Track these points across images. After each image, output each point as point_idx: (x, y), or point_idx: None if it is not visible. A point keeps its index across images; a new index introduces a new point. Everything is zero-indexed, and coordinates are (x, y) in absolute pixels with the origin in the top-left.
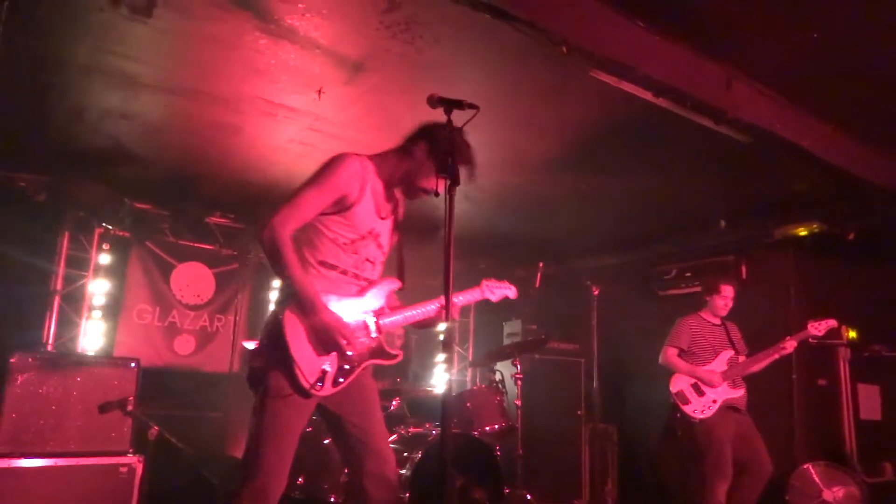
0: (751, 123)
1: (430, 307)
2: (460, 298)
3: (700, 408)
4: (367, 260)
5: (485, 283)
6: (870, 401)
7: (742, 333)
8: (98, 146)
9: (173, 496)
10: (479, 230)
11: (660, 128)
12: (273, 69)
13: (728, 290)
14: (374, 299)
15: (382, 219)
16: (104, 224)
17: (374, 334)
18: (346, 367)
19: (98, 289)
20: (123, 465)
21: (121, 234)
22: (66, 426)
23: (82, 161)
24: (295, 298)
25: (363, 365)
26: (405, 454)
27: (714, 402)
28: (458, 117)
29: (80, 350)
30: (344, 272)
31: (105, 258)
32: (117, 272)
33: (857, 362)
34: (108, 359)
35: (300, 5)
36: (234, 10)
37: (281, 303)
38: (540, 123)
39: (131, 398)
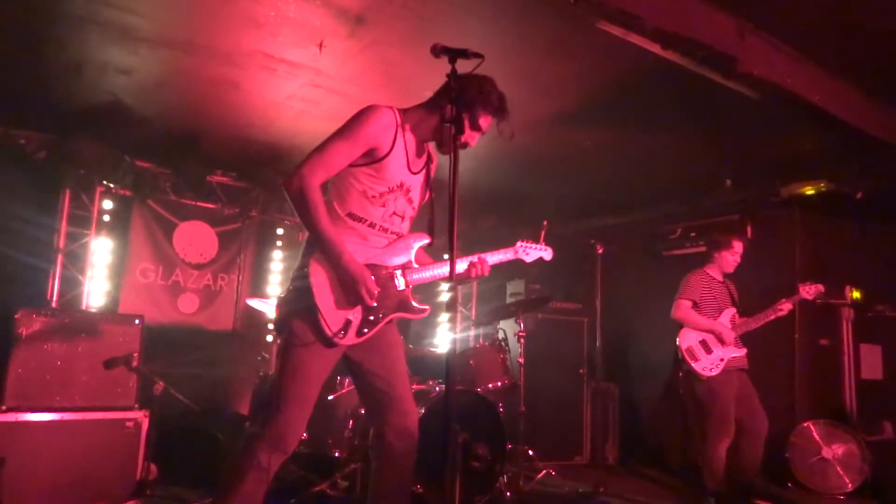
0: (761, 78)
1: (460, 264)
2: (494, 257)
3: (709, 365)
4: (396, 214)
5: (519, 243)
6: (871, 360)
7: (739, 293)
8: (97, 103)
9: (179, 450)
10: (484, 189)
11: (667, 84)
12: (272, 22)
13: (739, 246)
14: (402, 253)
15: (414, 173)
16: (105, 182)
17: (400, 287)
18: (371, 318)
19: (101, 247)
20: (129, 419)
21: (122, 192)
22: (72, 381)
23: (82, 118)
24: (320, 247)
25: (388, 318)
26: None
27: (721, 360)
28: (462, 67)
29: (83, 308)
30: (372, 225)
31: (107, 216)
32: (120, 231)
33: (860, 322)
34: (112, 315)
35: None
36: None
37: (308, 252)
38: (545, 78)
39: (136, 354)
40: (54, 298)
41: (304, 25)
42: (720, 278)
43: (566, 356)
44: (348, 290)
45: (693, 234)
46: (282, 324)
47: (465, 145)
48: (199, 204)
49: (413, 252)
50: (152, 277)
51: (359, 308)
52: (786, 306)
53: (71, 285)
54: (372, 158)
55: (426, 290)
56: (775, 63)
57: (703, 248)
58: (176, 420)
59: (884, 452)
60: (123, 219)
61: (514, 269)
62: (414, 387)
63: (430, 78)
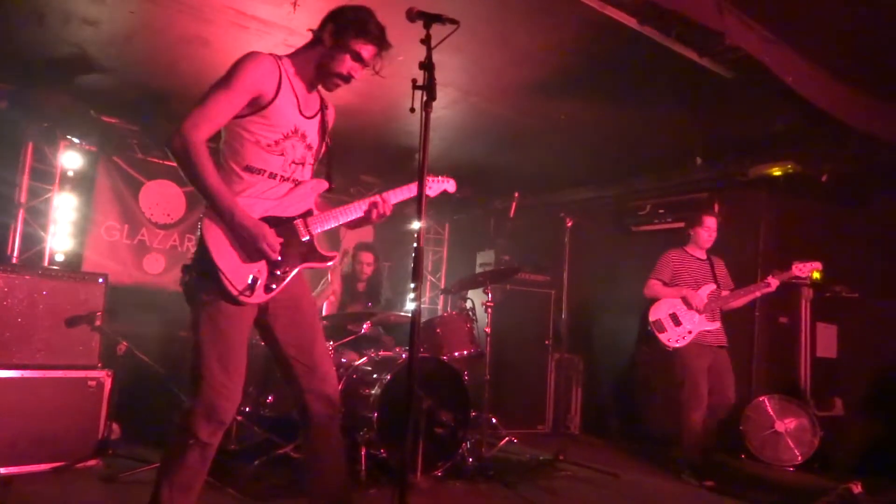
0: (736, 57)
1: (359, 207)
2: (394, 193)
3: (675, 337)
4: (295, 162)
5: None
6: (827, 339)
7: (728, 269)
8: (62, 54)
9: (142, 411)
10: (456, 159)
11: (642, 60)
12: None
13: (710, 221)
14: (300, 201)
15: (308, 118)
16: (70, 136)
17: (303, 237)
18: (278, 272)
19: (64, 203)
20: (92, 378)
21: (87, 147)
22: (33, 339)
23: (46, 69)
24: (211, 206)
25: (296, 269)
26: (375, 376)
27: (689, 332)
28: (438, 33)
29: (45, 264)
30: (273, 175)
31: (71, 172)
32: (84, 187)
33: (818, 302)
34: (75, 273)
35: None
36: None
37: (202, 212)
38: (522, 47)
39: (99, 313)
40: (15, 254)
41: None
42: (701, 255)
43: (533, 327)
44: (248, 247)
45: (662, 211)
46: (189, 291)
47: (346, 77)
48: (167, 163)
49: (312, 199)
50: (117, 236)
51: (263, 263)
52: (773, 283)
53: (33, 241)
54: (258, 106)
55: (398, 255)
56: (750, 42)
57: (672, 225)
58: (139, 380)
59: (833, 428)
60: (88, 175)
61: (484, 238)
62: (381, 353)
63: (407, 41)
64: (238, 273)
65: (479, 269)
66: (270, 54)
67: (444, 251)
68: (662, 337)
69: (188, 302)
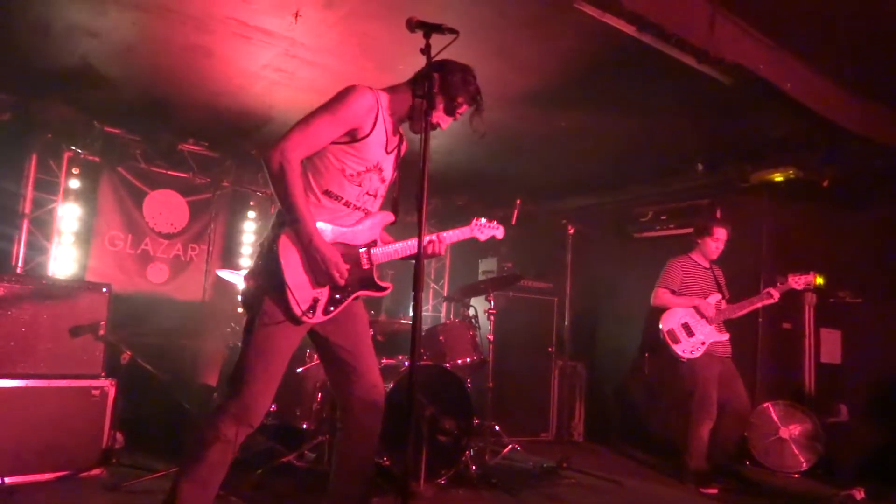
0: (734, 63)
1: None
2: (450, 234)
3: (689, 347)
4: (369, 193)
5: (475, 221)
6: (831, 345)
7: (725, 279)
8: (66, 65)
9: (146, 420)
10: (457, 166)
11: (642, 67)
12: None
13: (721, 233)
14: (368, 231)
15: (388, 153)
16: (73, 147)
17: (365, 266)
18: (338, 296)
19: (68, 213)
20: (96, 388)
21: (91, 158)
22: (37, 349)
23: (50, 81)
24: (292, 225)
25: (354, 295)
26: None
27: (703, 343)
28: (437, 43)
29: (49, 275)
30: (347, 204)
31: (75, 182)
32: (88, 197)
33: (821, 307)
34: (78, 283)
35: None
36: None
37: (277, 227)
38: (521, 55)
39: (103, 322)
40: (19, 265)
41: None
42: (705, 264)
43: (535, 334)
44: (318, 270)
45: (664, 217)
46: (250, 299)
47: (435, 127)
48: (170, 173)
49: (378, 231)
50: (121, 246)
51: (326, 287)
52: (775, 294)
53: (37, 252)
54: (353, 138)
55: (401, 263)
56: (748, 49)
57: (674, 231)
58: (142, 389)
59: (838, 434)
60: (92, 185)
61: (487, 245)
62: (383, 361)
63: (407, 51)
64: (303, 293)
65: (481, 277)
66: (370, 88)
67: (446, 259)
68: (677, 348)
69: (246, 308)
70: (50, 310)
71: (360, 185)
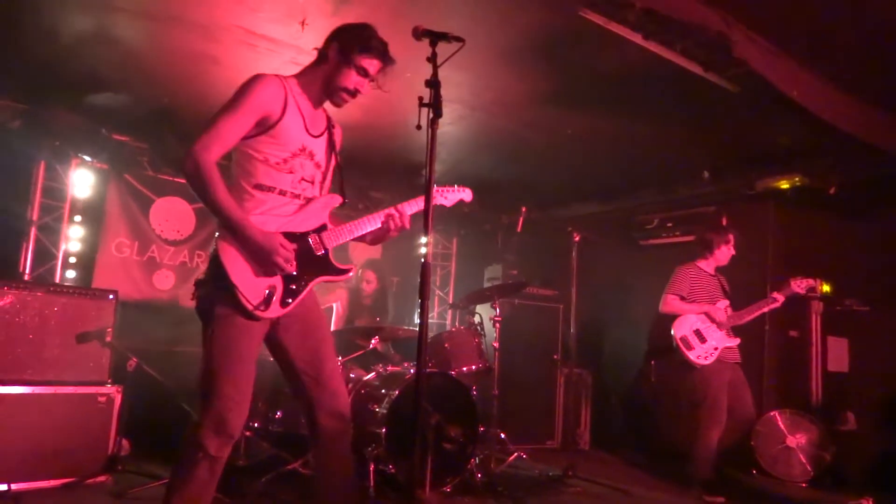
0: (741, 71)
1: (374, 219)
2: (410, 204)
3: (703, 354)
4: (304, 179)
5: (436, 188)
6: (838, 353)
7: (730, 286)
8: (74, 73)
9: (152, 427)
10: (463, 173)
11: (647, 74)
12: None
13: (734, 239)
14: (314, 216)
15: (315, 136)
16: (81, 155)
17: (318, 251)
18: (293, 286)
19: (76, 220)
20: (102, 394)
21: (99, 165)
22: (44, 355)
23: (58, 88)
24: (224, 224)
25: (311, 283)
26: (383, 391)
27: (715, 349)
28: (443, 51)
29: (57, 281)
30: (282, 192)
31: (82, 190)
32: (95, 204)
33: (828, 315)
34: (85, 290)
35: None
36: None
37: (218, 229)
38: (526, 63)
39: (109, 329)
40: (27, 272)
41: (286, 2)
42: (711, 272)
43: (541, 341)
44: (261, 261)
45: (670, 224)
46: (202, 307)
47: (352, 92)
48: (177, 180)
49: (326, 214)
50: (128, 253)
51: (278, 278)
52: (779, 298)
53: (44, 258)
54: (266, 126)
55: (407, 272)
56: (755, 57)
57: (680, 238)
58: (149, 396)
59: (846, 443)
60: (99, 193)
61: (492, 253)
62: (389, 369)
63: (414, 58)
64: (253, 288)
65: (486, 284)
66: (275, 75)
67: (451, 266)
68: (691, 354)
69: (200, 316)
70: (57, 316)
71: (291, 172)
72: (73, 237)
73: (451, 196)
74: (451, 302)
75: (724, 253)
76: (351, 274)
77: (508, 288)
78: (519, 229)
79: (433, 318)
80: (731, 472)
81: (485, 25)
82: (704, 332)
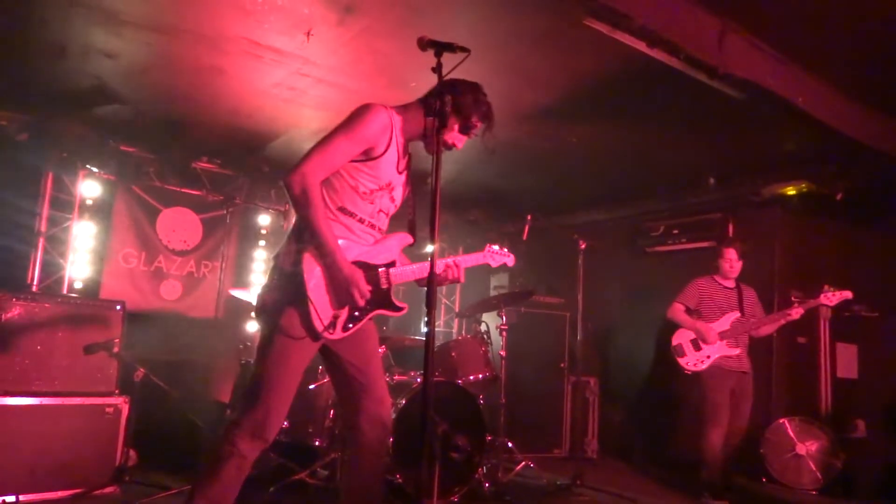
0: (745, 78)
1: (437, 267)
2: (465, 259)
3: (693, 361)
4: (381, 211)
5: (488, 248)
6: (847, 359)
7: (759, 297)
8: (82, 85)
9: (159, 437)
10: (469, 182)
11: (652, 82)
12: (260, 9)
13: (730, 253)
14: (387, 252)
15: (399, 173)
16: (88, 166)
17: (384, 285)
18: (357, 314)
19: (83, 231)
20: (109, 405)
21: (106, 176)
22: (52, 366)
23: (66, 100)
24: (316, 246)
25: (371, 314)
26: None
27: (708, 357)
28: (448, 61)
29: (64, 292)
30: (361, 220)
31: (90, 200)
32: (103, 215)
33: (837, 321)
34: (93, 300)
35: None
36: None
37: (298, 242)
38: (531, 71)
39: (117, 340)
40: (35, 282)
41: (291, 13)
42: (729, 284)
43: (548, 350)
44: (340, 289)
45: (676, 232)
46: (269, 311)
47: (450, 147)
48: (184, 190)
49: (398, 251)
50: (135, 263)
51: (346, 305)
52: (797, 311)
53: (52, 269)
54: (368, 157)
55: (411, 284)
56: (758, 64)
57: (686, 245)
58: (156, 406)
59: (856, 450)
60: (106, 203)
61: None
62: (395, 378)
63: (420, 68)
64: (325, 309)
65: (493, 292)
66: (384, 107)
67: (447, 284)
68: (681, 361)
69: (262, 322)
70: (65, 327)
71: (372, 203)
72: (81, 248)
73: (498, 259)
74: (457, 311)
75: (723, 267)
76: (404, 312)
77: (515, 296)
78: (525, 237)
79: (440, 327)
80: (741, 481)
81: (491, 35)
82: (701, 341)
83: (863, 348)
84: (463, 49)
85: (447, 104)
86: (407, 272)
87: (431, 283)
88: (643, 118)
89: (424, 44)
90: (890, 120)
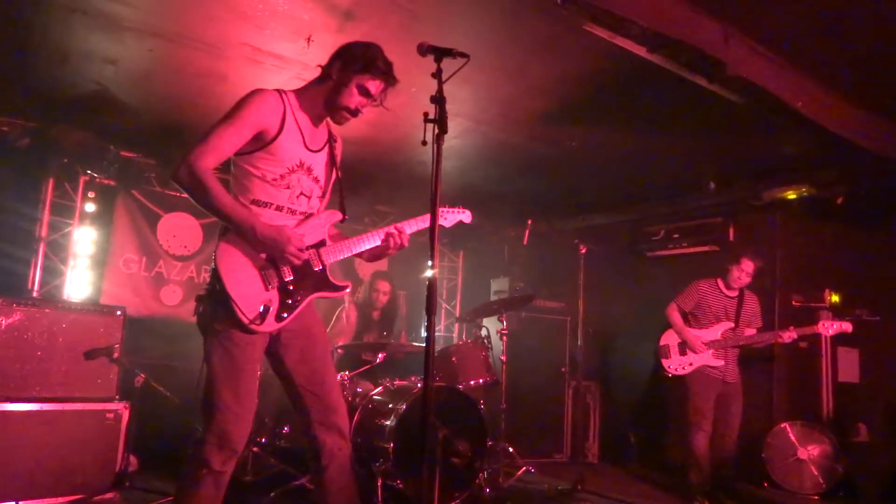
0: (745, 83)
1: (374, 237)
2: (410, 223)
3: (675, 365)
4: (303, 194)
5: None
6: (848, 364)
7: (761, 307)
8: (83, 91)
9: (160, 443)
10: (469, 186)
11: (652, 86)
12: (261, 14)
13: (748, 265)
14: (313, 231)
15: (314, 151)
16: (89, 172)
17: (316, 267)
18: (289, 301)
19: (83, 237)
20: (110, 410)
21: (107, 182)
22: (52, 372)
23: (67, 106)
24: (229, 230)
25: (308, 299)
26: (390, 406)
27: (691, 364)
28: (448, 66)
29: (65, 298)
30: (279, 208)
31: (90, 206)
32: (103, 221)
33: None
34: (93, 306)
35: None
36: None
37: (218, 240)
38: (532, 77)
39: (117, 345)
40: (35, 288)
41: (292, 19)
42: (731, 292)
43: (548, 354)
44: (275, 253)
45: (676, 236)
46: (202, 321)
47: (353, 111)
48: (184, 195)
49: (325, 230)
50: (135, 268)
51: (275, 292)
52: (789, 335)
53: (53, 275)
54: (263, 142)
55: (414, 284)
56: (758, 69)
57: (686, 249)
58: (156, 412)
59: (858, 454)
60: (107, 209)
61: (498, 266)
62: (396, 383)
63: (420, 74)
64: (250, 301)
65: (493, 297)
66: (275, 90)
67: (458, 279)
68: (665, 363)
69: (202, 331)
70: (65, 333)
71: (288, 188)
72: (82, 253)
73: (450, 217)
74: (457, 315)
75: (733, 275)
76: (347, 291)
77: (515, 301)
78: (525, 242)
79: (440, 332)
80: (743, 486)
81: (490, 41)
82: (688, 348)
83: (864, 352)
84: (462, 55)
85: (336, 69)
86: (341, 248)
87: (432, 285)
88: (644, 122)
89: (424, 50)
90: (891, 124)
